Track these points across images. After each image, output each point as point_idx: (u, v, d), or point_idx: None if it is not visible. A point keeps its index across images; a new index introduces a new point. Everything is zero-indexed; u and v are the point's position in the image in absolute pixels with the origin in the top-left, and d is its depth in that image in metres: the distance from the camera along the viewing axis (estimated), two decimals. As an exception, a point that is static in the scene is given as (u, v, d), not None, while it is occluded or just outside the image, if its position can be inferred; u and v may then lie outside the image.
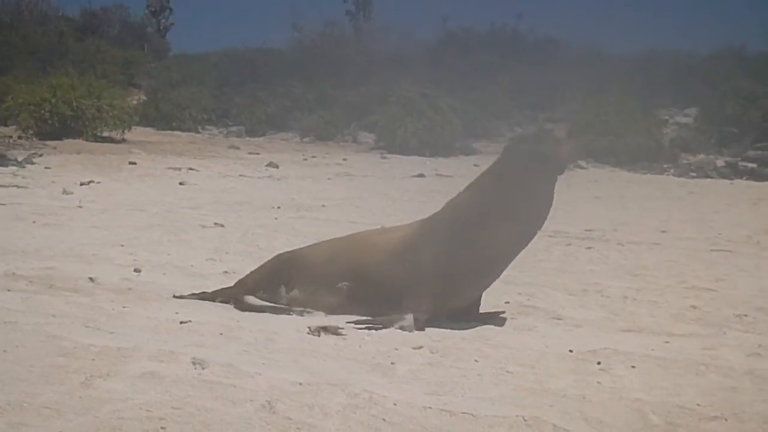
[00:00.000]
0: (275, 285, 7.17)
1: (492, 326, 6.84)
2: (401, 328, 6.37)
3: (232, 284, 7.65)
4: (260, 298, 7.16)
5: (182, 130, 35.13)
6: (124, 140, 27.93)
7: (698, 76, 37.05)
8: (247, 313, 6.93)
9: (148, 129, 33.30)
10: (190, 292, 7.63)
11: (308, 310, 6.87)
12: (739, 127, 31.51)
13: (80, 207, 14.01)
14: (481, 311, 7.13)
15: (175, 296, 7.48)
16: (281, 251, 7.87)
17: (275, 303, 7.08)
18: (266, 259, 7.78)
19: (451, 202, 6.83)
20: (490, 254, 6.56)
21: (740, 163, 27.52)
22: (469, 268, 6.56)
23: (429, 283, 6.52)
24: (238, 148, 29.13)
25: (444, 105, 31.41)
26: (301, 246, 7.91)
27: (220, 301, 7.33)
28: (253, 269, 7.70)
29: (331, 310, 6.84)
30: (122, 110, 28.87)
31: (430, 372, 5.37)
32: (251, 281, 7.40)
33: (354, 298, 6.80)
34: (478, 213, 6.54)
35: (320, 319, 6.73)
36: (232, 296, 7.31)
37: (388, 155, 29.22)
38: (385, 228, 8.05)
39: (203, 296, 7.49)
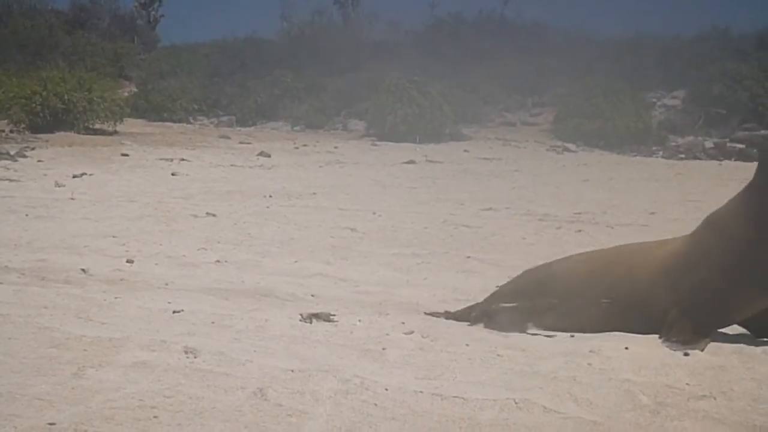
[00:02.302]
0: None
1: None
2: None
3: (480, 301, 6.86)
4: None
5: (173, 121, 35.09)
6: (115, 132, 27.93)
7: (685, 59, 37.00)
8: (237, 302, 6.93)
9: (140, 120, 33.24)
10: (432, 310, 6.95)
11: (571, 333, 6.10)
12: (726, 108, 31.57)
13: (72, 199, 14.01)
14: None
15: (426, 313, 6.83)
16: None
17: (529, 321, 6.33)
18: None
19: (718, 217, 6.24)
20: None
21: (728, 144, 27.64)
22: (746, 288, 5.97)
23: (705, 305, 5.97)
24: (229, 138, 29.11)
25: (433, 91, 31.41)
26: (541, 263, 7.09)
27: (473, 322, 6.45)
28: (501, 285, 7.04)
29: (585, 330, 6.17)
30: (113, 102, 28.89)
31: (421, 357, 5.39)
32: (500, 299, 6.68)
33: (613, 317, 6.20)
34: (745, 229, 5.96)
35: (314, 306, 6.76)
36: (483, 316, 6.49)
37: (379, 142, 29.23)
38: (643, 243, 7.40)
39: (451, 315, 6.75)
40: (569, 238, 11.08)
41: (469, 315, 6.63)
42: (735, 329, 6.16)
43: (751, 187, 6.09)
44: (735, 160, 25.33)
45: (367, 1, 54.99)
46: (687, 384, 4.92)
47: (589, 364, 5.29)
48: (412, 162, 22.74)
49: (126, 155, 21.87)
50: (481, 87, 36.70)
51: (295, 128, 34.91)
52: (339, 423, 4.25)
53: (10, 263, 8.33)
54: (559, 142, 30.23)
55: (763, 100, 31.45)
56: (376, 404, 4.46)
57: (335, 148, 26.87)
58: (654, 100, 34.57)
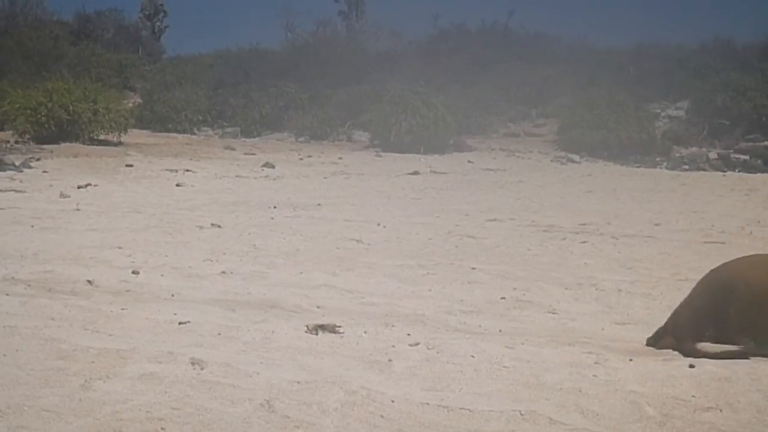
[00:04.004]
0: (719, 322, 5.87)
1: (488, 322, 6.88)
2: None
3: (663, 324, 6.32)
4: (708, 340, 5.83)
5: (178, 132, 35.05)
6: (120, 143, 27.95)
7: (688, 69, 37.03)
8: (243, 313, 6.94)
9: (144, 131, 33.24)
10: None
11: None
12: (730, 119, 31.58)
13: (78, 210, 14.02)
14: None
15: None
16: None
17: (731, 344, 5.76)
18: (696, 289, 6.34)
19: None
20: None
21: (732, 155, 27.66)
22: None
23: None
24: (233, 148, 29.11)
25: (437, 102, 31.39)
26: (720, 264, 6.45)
27: (659, 348, 6.07)
28: (682, 303, 6.32)
29: None
30: (118, 113, 28.88)
31: (426, 368, 5.40)
32: (688, 323, 6.04)
33: None
34: None
35: (320, 317, 6.77)
36: (675, 345, 5.99)
37: (383, 153, 29.23)
38: None
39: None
40: (574, 248, 11.08)
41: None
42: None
43: None
44: (739, 171, 25.34)
45: (371, 11, 55.01)
46: (693, 396, 4.93)
47: (594, 375, 5.30)
48: (416, 173, 22.73)
49: (131, 166, 21.88)
50: (484, 98, 36.69)
51: (300, 139, 34.89)
52: (346, 434, 4.27)
53: (17, 275, 8.34)
54: (563, 152, 30.23)
55: (767, 110, 31.47)
56: (382, 416, 4.47)
57: (339, 159, 26.88)
58: (658, 110, 34.57)
